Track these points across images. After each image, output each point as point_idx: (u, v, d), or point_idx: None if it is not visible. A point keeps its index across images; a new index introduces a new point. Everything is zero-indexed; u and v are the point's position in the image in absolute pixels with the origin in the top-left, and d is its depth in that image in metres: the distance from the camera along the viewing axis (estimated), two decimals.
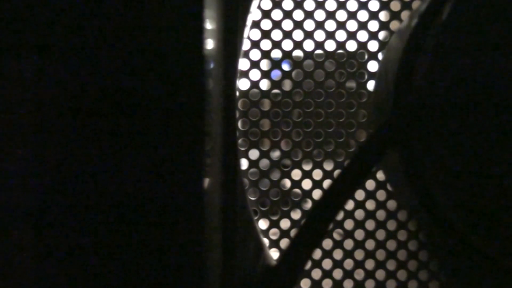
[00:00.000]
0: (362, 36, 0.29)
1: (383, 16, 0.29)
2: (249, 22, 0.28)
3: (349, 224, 0.29)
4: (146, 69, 0.20)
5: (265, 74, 0.28)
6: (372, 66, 0.29)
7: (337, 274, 0.29)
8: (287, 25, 0.28)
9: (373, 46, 0.29)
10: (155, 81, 0.20)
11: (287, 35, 0.28)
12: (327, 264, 0.29)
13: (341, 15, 0.29)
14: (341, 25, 0.29)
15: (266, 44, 0.28)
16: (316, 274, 0.29)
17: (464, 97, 0.22)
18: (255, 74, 0.28)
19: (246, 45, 0.28)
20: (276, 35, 0.28)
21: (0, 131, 0.20)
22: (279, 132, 0.29)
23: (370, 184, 0.30)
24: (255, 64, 0.28)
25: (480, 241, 0.24)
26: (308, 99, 0.29)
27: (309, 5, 0.28)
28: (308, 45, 0.29)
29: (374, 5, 0.29)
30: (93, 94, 0.20)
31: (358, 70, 0.29)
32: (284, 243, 0.29)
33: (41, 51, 0.19)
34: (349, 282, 0.29)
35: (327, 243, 0.29)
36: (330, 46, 0.29)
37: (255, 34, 0.28)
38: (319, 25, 0.29)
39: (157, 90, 0.20)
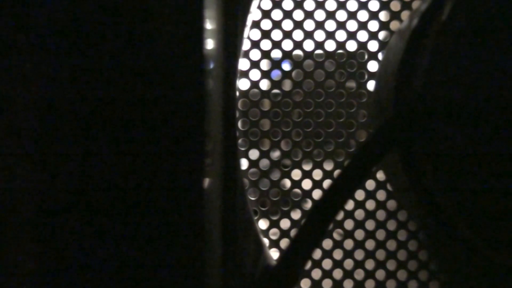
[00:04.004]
0: (362, 36, 0.29)
1: (383, 16, 0.29)
2: (249, 22, 0.28)
3: (349, 224, 0.29)
4: (146, 69, 0.20)
5: (265, 74, 0.28)
6: (372, 66, 0.29)
7: (337, 274, 0.29)
8: (287, 25, 0.28)
9: (373, 46, 0.29)
10: (155, 81, 0.20)
11: (287, 35, 0.28)
12: (327, 264, 0.29)
13: (341, 15, 0.29)
14: (341, 25, 0.29)
15: (266, 44, 0.28)
16: (316, 274, 0.29)
17: (464, 97, 0.22)
18: (255, 74, 0.28)
19: (246, 45, 0.28)
20: (276, 35, 0.28)
21: (0, 131, 0.20)
22: (279, 132, 0.29)
23: (370, 184, 0.30)
24: (255, 64, 0.28)
25: (480, 241, 0.24)
26: (308, 99, 0.29)
27: (309, 5, 0.28)
28: (308, 45, 0.29)
29: (374, 5, 0.29)
30: (93, 94, 0.20)
31: (358, 70, 0.29)
32: (284, 243, 0.29)
33: (39, 51, 0.19)
34: (349, 282, 0.29)
35: (327, 243, 0.29)
36: (330, 46, 0.29)
37: (255, 34, 0.28)
38: (319, 25, 0.29)
39: (157, 90, 0.20)
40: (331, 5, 0.29)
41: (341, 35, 0.29)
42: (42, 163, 0.20)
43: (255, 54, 0.28)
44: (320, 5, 0.29)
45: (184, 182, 0.20)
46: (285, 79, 0.29)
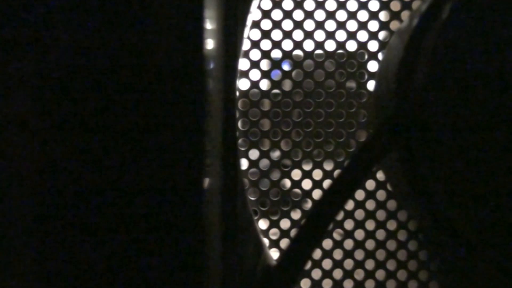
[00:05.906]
0: (362, 36, 0.29)
1: (383, 16, 0.29)
2: (249, 22, 0.28)
3: (349, 224, 0.29)
4: (146, 69, 0.20)
5: (265, 74, 0.28)
6: (372, 66, 0.29)
7: (337, 274, 0.29)
8: (287, 25, 0.28)
9: (373, 46, 0.29)
10: (155, 81, 0.20)
11: (287, 35, 0.28)
12: (327, 264, 0.29)
13: (341, 15, 0.29)
14: (341, 25, 0.29)
15: (266, 44, 0.28)
16: (316, 274, 0.29)
17: (464, 97, 0.22)
18: (255, 74, 0.28)
19: (246, 45, 0.28)
20: (276, 35, 0.28)
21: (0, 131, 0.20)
22: (279, 132, 0.29)
23: (370, 184, 0.30)
24: (255, 64, 0.28)
25: (480, 241, 0.24)
26: (308, 99, 0.29)
27: (309, 5, 0.28)
28: (308, 45, 0.29)
29: (374, 5, 0.29)
30: (93, 94, 0.20)
31: (358, 70, 0.29)
32: (284, 243, 0.29)
33: (40, 50, 0.19)
34: (349, 282, 0.29)
35: (327, 243, 0.29)
36: (330, 46, 0.29)
37: (255, 34, 0.28)
38: (319, 25, 0.29)
39: (157, 90, 0.20)
40: (331, 5, 0.29)
41: (341, 35, 0.29)
42: (42, 162, 0.20)
43: (255, 54, 0.28)
44: (320, 5, 0.28)
45: (184, 182, 0.20)
46: (285, 79, 0.29)
